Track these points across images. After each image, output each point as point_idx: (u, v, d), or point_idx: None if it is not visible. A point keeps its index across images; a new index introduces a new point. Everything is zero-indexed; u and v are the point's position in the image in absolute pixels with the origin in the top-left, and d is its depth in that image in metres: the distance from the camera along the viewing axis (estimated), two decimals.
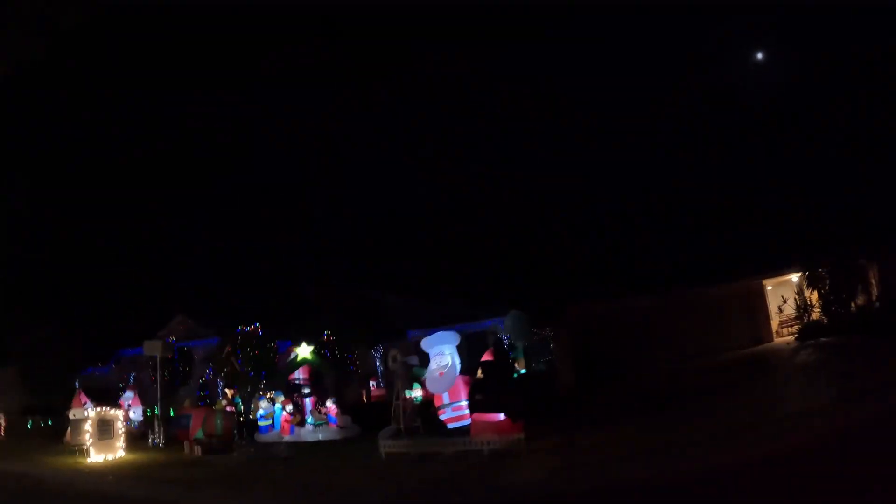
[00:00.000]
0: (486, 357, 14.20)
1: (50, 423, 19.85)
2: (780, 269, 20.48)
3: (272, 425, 14.96)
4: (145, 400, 19.45)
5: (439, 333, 12.25)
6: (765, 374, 14.62)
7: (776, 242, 20.06)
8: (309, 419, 14.55)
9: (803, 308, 18.56)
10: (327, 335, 16.04)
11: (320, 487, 9.03)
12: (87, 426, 12.81)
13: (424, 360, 12.24)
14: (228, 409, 17.05)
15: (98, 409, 13.87)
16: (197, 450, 13.30)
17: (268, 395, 15.98)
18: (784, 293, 21.93)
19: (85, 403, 17.19)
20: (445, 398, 11.63)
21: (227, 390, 22.74)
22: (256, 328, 16.85)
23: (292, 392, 14.88)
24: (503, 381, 11.17)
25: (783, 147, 21.44)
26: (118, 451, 13.31)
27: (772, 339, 20.90)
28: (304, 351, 15.27)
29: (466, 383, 12.03)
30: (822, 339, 17.02)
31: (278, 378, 14.98)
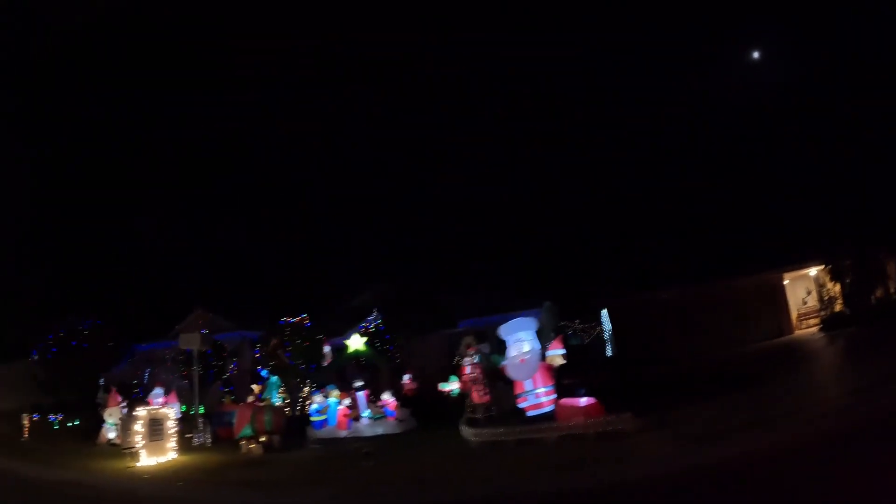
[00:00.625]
0: (557, 345, 14.45)
1: (77, 422, 18.36)
2: (801, 262, 21.36)
3: (326, 420, 13.92)
4: (178, 396, 18.67)
5: (517, 320, 11.92)
6: (807, 361, 15.25)
7: (795, 237, 21.04)
8: (366, 413, 13.81)
9: (828, 300, 19.58)
10: (375, 326, 15.72)
11: (439, 479, 8.30)
12: (139, 426, 11.51)
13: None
14: (255, 405, 16.55)
15: (149, 407, 12.59)
16: (256, 448, 12.13)
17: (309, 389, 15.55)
18: (801, 286, 22.97)
19: (120, 402, 15.98)
20: (528, 385, 11.30)
21: (253, 386, 22.10)
22: (303, 319, 15.97)
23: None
24: (590, 366, 11.57)
25: (799, 145, 22.54)
26: (169, 453, 11.90)
27: (792, 332, 21.58)
28: (356, 342, 15.10)
29: (547, 369, 12.30)
30: (847, 329, 18.05)
31: (328, 371, 14.64)
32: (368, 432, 13.33)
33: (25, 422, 16.62)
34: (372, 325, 16.50)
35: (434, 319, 16.75)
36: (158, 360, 26.46)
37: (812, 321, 21.04)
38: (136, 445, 11.57)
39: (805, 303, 20.36)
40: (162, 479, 9.97)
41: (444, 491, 7.71)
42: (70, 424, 18.30)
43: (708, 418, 9.79)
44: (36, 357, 26.67)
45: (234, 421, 14.46)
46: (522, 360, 11.49)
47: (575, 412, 10.43)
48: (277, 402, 17.91)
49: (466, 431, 10.80)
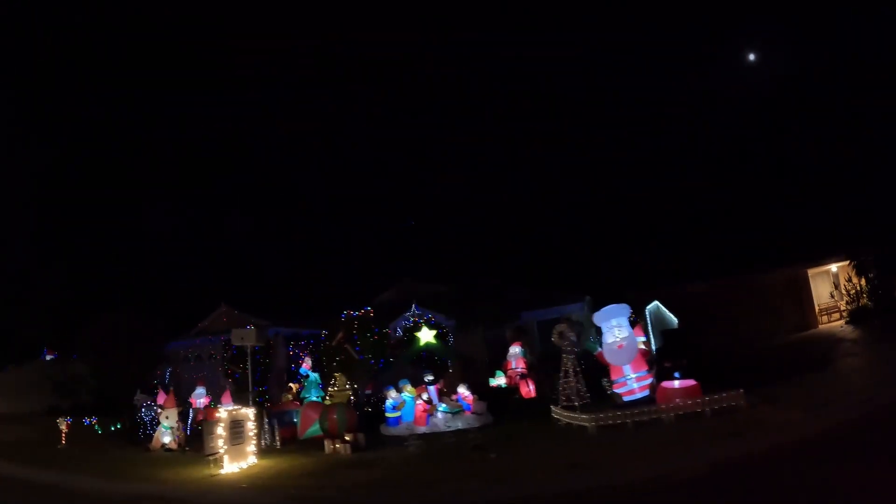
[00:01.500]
0: (639, 332, 14.71)
1: (119, 426, 16.48)
2: (827, 258, 22.59)
3: (400, 416, 13.16)
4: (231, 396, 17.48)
5: (611, 307, 11.81)
6: (850, 349, 16.19)
7: (819, 234, 22.23)
8: (443, 407, 13.12)
9: (856, 294, 20.73)
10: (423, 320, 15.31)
11: (588, 463, 7.81)
12: (220, 429, 10.11)
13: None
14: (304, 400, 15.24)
15: (231, 407, 11.19)
16: (344, 448, 11.08)
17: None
18: (821, 282, 24.23)
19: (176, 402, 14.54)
20: (627, 370, 11.36)
21: (291, 384, 21.38)
22: (368, 311, 15.06)
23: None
24: (688, 349, 11.95)
25: (825, 145, 23.82)
26: (250, 457, 10.48)
27: (816, 325, 22.73)
28: (426, 335, 14.49)
29: (644, 354, 12.58)
30: (873, 322, 19.16)
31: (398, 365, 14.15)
32: (448, 427, 12.70)
33: (63, 426, 14.47)
34: (422, 320, 16.29)
35: (503, 313, 16.66)
36: (179, 359, 25.34)
37: (833, 315, 22.25)
38: (220, 450, 10.09)
39: (833, 297, 21.47)
40: (263, 487, 8.53)
41: (606, 474, 7.32)
42: (113, 428, 16.31)
43: (800, 394, 10.41)
44: (49, 358, 25.22)
45: (297, 420, 13.84)
46: (620, 346, 11.65)
47: (676, 394, 10.79)
48: (315, 400, 17.50)
49: (572, 417, 10.90)
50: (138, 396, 17.20)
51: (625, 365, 11.56)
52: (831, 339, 17.81)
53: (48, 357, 25.01)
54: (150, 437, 14.10)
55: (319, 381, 18.78)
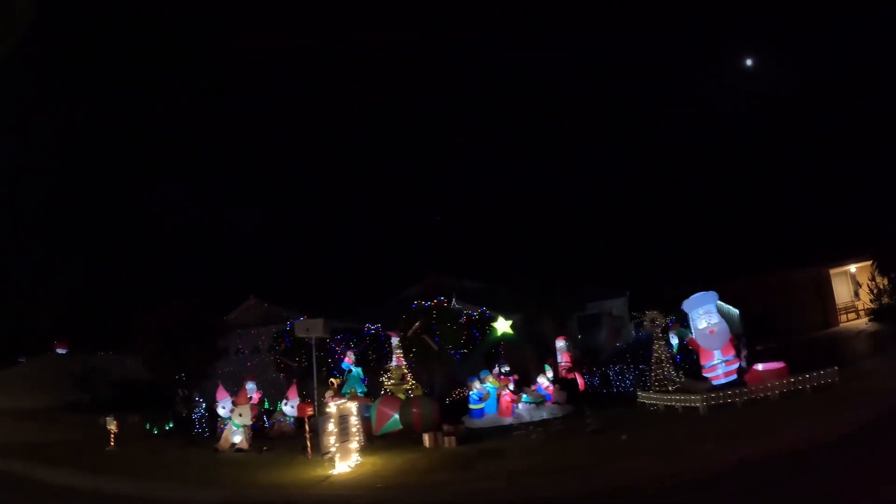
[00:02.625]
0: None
1: (170, 425, 15.31)
2: (850, 258, 23.93)
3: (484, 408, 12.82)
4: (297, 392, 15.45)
5: (700, 294, 11.94)
6: (888, 341, 17.22)
7: (840, 234, 23.56)
8: (526, 398, 12.95)
9: (879, 292, 21.98)
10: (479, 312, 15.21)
11: (722, 436, 7.85)
12: (331, 426, 9.29)
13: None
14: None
15: (337, 401, 9.89)
16: (449, 441, 10.45)
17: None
18: (842, 282, 25.57)
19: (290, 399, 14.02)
20: (718, 355, 11.48)
21: (332, 380, 20.81)
22: (443, 301, 14.65)
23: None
24: (774, 335, 12.55)
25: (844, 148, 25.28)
26: (354, 455, 9.57)
27: (837, 324, 24.05)
28: (502, 326, 14.19)
29: (732, 340, 12.96)
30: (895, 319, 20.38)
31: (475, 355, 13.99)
32: (534, 416, 12.52)
33: (112, 426, 13.04)
34: (465, 313, 16.29)
35: (574, 304, 16.84)
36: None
37: (851, 315, 23.56)
38: (332, 448, 9.22)
39: (857, 296, 22.74)
40: (404, 486, 7.76)
41: (761, 441, 7.43)
42: (167, 427, 15.30)
43: (880, 371, 11.11)
44: (60, 352, 23.87)
45: (370, 415, 13.18)
46: (712, 331, 12.04)
47: (767, 375, 11.30)
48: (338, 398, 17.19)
49: (677, 399, 11.21)
50: (181, 394, 16.33)
51: (716, 350, 11.97)
52: (864, 334, 18.80)
53: (59, 351, 23.82)
54: (197, 435, 13.47)
55: (362, 376, 18.51)
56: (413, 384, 17.00)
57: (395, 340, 17.15)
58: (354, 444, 9.75)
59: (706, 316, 12.14)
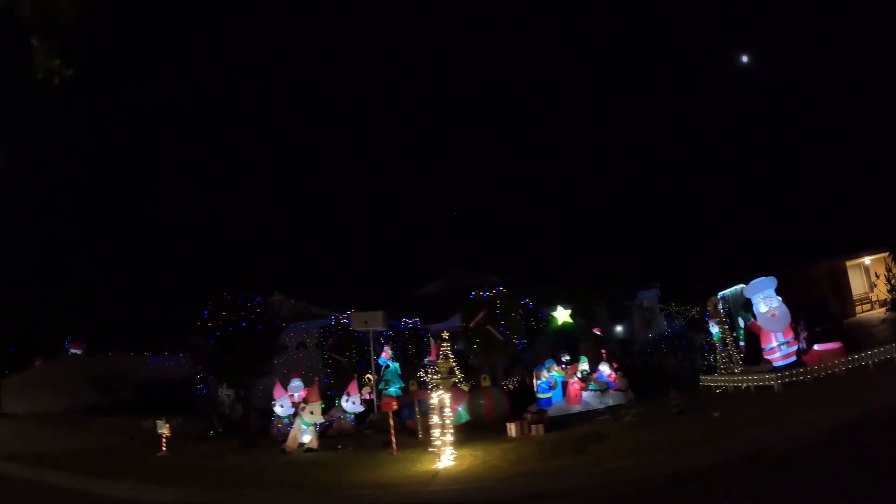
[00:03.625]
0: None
1: (220, 430, 14.70)
2: (863, 250, 25.30)
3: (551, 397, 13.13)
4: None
5: (760, 280, 12.70)
6: None
7: (857, 227, 24.90)
8: (591, 385, 13.43)
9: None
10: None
11: (829, 406, 8.19)
12: (436, 418, 9.19)
13: None
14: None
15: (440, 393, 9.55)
16: (537, 429, 10.63)
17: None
18: (856, 274, 26.92)
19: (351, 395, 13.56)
20: (780, 337, 12.17)
21: (368, 376, 20.77)
22: (501, 291, 14.67)
23: None
24: (831, 317, 13.33)
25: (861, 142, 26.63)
26: (449, 448, 9.15)
27: (855, 314, 25.34)
28: (562, 315, 14.65)
29: (791, 322, 13.68)
30: None
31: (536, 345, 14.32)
32: (600, 404, 13.04)
33: (164, 430, 12.41)
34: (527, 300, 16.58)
35: (625, 293, 17.37)
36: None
37: (866, 305, 24.89)
38: (439, 441, 9.12)
39: (875, 286, 24.03)
40: (534, 473, 7.79)
41: (851, 406, 8.21)
42: (219, 430, 14.80)
43: None
44: (73, 352, 23.26)
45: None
46: (773, 315, 12.79)
47: (826, 355, 12.08)
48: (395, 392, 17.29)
49: (749, 379, 11.84)
50: (225, 391, 16.00)
51: (778, 332, 12.66)
52: (889, 321, 19.97)
53: (71, 351, 23.30)
54: (252, 437, 12.91)
55: (399, 371, 18.69)
56: (443, 377, 17.24)
57: (444, 334, 17.38)
58: (449, 437, 9.53)
59: (767, 300, 12.83)
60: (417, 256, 31.12)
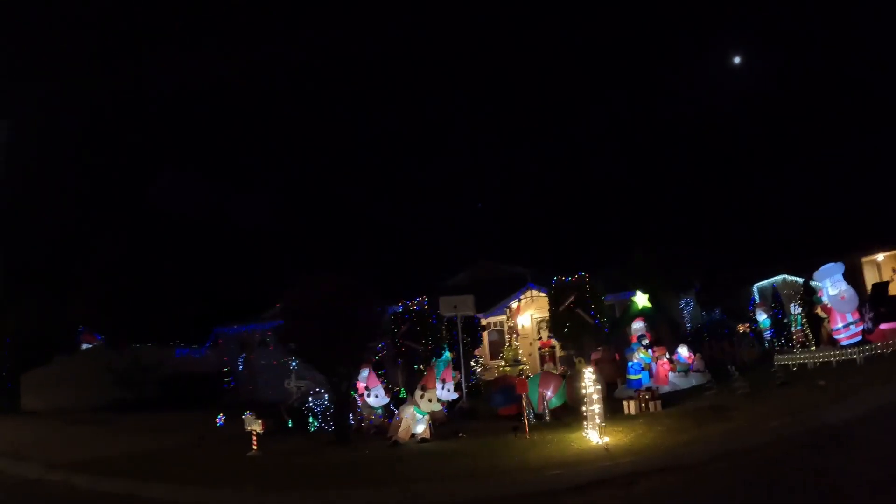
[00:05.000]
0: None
1: (290, 424, 14.21)
2: (876, 247, 28.15)
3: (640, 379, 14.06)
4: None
5: (829, 266, 14.58)
6: None
7: (870, 224, 27.71)
8: (678, 367, 14.74)
9: None
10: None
11: None
12: (597, 395, 9.39)
13: None
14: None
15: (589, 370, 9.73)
16: (654, 405, 11.42)
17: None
18: (869, 270, 29.88)
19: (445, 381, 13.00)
20: (848, 317, 14.03)
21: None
22: (583, 277, 15.58)
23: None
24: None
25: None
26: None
27: None
28: (641, 300, 16.04)
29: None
30: None
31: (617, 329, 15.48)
32: (686, 385, 14.40)
33: (256, 426, 11.70)
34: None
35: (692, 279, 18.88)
36: (251, 345, 24.04)
37: None
38: (598, 419, 9.39)
39: (893, 280, 26.90)
40: (703, 441, 8.56)
41: None
42: (288, 425, 14.42)
43: None
44: (86, 347, 22.80)
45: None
46: (843, 297, 14.65)
47: (889, 333, 14.06)
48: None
49: (830, 355, 13.59)
50: (295, 381, 16.14)
51: (847, 312, 14.55)
52: None
53: (84, 345, 22.93)
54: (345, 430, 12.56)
55: (450, 360, 19.66)
56: (508, 365, 18.42)
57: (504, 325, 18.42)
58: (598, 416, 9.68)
59: (836, 284, 14.70)
60: (439, 248, 32.02)
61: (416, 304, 16.91)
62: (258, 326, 23.91)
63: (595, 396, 9.54)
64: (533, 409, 12.53)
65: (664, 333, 15.76)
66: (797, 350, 14.64)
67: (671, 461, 7.98)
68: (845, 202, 28.72)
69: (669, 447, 8.63)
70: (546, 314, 24.15)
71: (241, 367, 23.73)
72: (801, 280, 19.34)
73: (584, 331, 14.76)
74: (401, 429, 11.45)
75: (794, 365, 14.39)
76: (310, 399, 15.37)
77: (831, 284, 14.69)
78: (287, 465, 10.31)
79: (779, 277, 21.26)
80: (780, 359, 14.85)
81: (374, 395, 13.38)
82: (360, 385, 14.82)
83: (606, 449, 8.78)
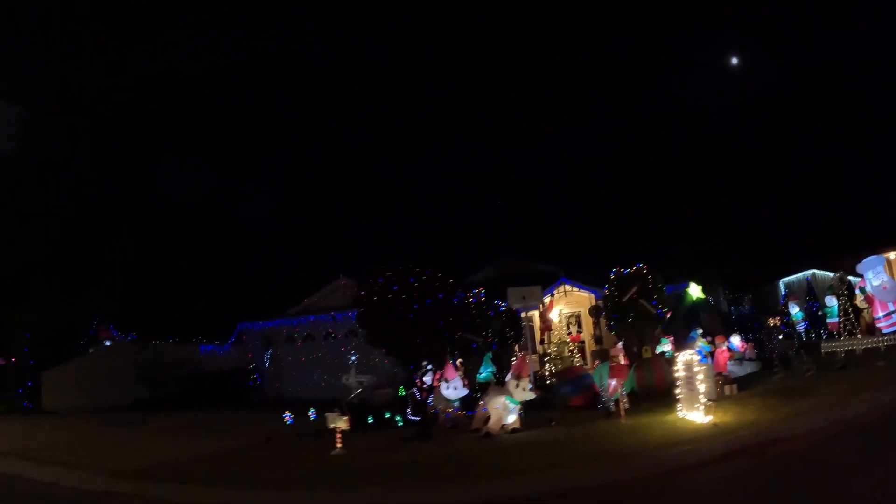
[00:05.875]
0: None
1: (399, 419, 14.18)
2: (887, 245, 30.47)
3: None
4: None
5: (871, 258, 15.97)
6: None
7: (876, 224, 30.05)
8: (736, 355, 16.04)
9: None
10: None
11: None
12: (702, 375, 10.14)
13: None
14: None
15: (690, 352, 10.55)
16: (731, 389, 12.23)
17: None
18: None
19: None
20: (889, 306, 15.58)
21: (458, 361, 21.84)
22: (641, 268, 16.26)
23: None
24: None
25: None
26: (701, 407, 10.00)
27: None
28: (695, 291, 17.07)
29: None
30: None
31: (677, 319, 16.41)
32: (742, 371, 15.66)
33: (341, 424, 11.63)
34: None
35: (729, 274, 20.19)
36: (282, 340, 24.16)
37: None
38: (702, 398, 9.96)
39: None
40: (805, 414, 9.47)
41: None
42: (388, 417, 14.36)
43: None
44: (107, 344, 22.66)
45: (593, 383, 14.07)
46: (885, 287, 16.23)
47: None
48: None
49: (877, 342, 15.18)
50: (357, 377, 16.43)
51: (889, 302, 16.17)
52: None
53: (105, 343, 22.87)
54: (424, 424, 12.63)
55: (491, 356, 20.50)
56: (578, 356, 19.45)
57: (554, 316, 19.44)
58: (702, 397, 10.30)
59: (878, 275, 16.28)
60: (456, 245, 32.93)
61: (472, 296, 17.62)
62: (285, 322, 24.21)
63: (699, 377, 10.40)
64: (604, 397, 13.16)
65: (716, 324, 17.04)
66: (843, 338, 16.10)
67: (786, 432, 8.97)
68: (870, 202, 31.10)
69: (777, 420, 9.65)
70: (575, 309, 25.40)
71: (267, 364, 24.03)
72: (831, 275, 21.10)
73: (647, 320, 15.83)
74: (492, 420, 11.65)
75: (841, 352, 15.86)
76: (365, 394, 15.88)
77: (874, 275, 16.23)
78: (386, 463, 9.91)
79: (808, 272, 23.01)
80: (828, 346, 16.32)
81: (452, 387, 13.66)
82: (426, 379, 14.61)
83: (715, 425, 9.54)
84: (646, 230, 33.29)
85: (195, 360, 22.92)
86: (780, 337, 18.99)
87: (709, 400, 10.43)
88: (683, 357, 11.00)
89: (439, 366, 13.53)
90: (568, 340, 20.10)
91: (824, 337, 18.71)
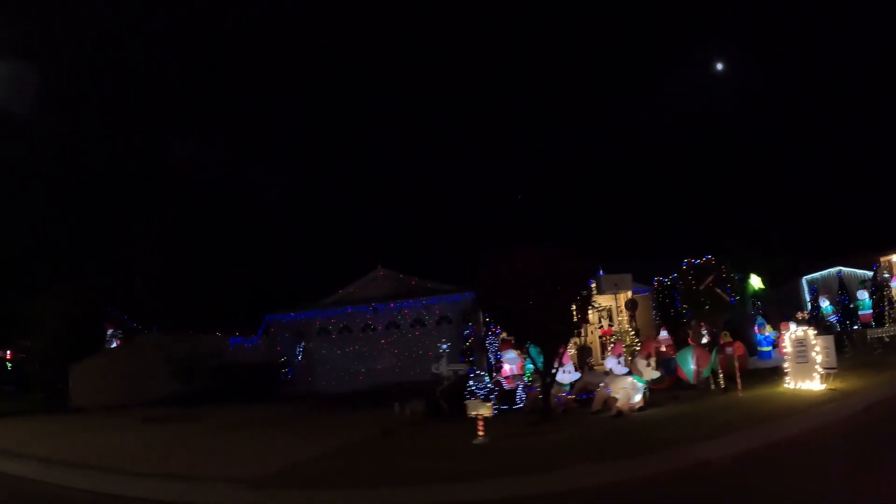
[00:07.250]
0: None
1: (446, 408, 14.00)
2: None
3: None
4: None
5: None
6: None
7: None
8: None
9: None
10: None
11: None
12: (818, 347, 11.90)
13: None
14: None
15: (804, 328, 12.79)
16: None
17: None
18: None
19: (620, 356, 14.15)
20: None
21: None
22: (709, 260, 17.59)
23: None
24: None
25: None
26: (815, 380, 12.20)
27: None
28: (756, 282, 19.33)
29: None
30: None
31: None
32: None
33: (484, 411, 11.23)
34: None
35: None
36: (310, 333, 24.22)
37: None
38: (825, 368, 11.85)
39: None
40: None
41: None
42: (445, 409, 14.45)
43: None
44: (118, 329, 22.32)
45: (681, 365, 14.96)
46: None
47: None
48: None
49: None
50: (448, 365, 16.87)
51: None
52: None
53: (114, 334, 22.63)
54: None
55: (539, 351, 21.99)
56: (638, 345, 21.18)
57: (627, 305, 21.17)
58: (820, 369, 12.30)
59: None
60: (471, 237, 34.29)
61: None
62: (319, 313, 24.52)
63: (816, 349, 12.35)
64: (689, 380, 14.74)
65: (774, 312, 19.32)
66: (888, 325, 18.79)
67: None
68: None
69: (882, 384, 11.87)
70: (607, 303, 27.29)
71: (299, 357, 24.39)
72: (859, 272, 24.09)
73: (721, 308, 17.73)
74: (621, 399, 12.64)
75: (887, 337, 18.48)
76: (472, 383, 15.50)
77: None
78: (542, 446, 10.06)
79: (833, 269, 25.92)
80: (875, 332, 18.91)
81: (565, 371, 14.25)
82: (507, 367, 16.05)
83: (832, 390, 11.58)
84: (654, 227, 35.93)
85: (225, 352, 23.00)
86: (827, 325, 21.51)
87: (827, 368, 12.27)
88: (795, 334, 12.91)
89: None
90: (630, 329, 21.81)
91: (856, 328, 21.33)
